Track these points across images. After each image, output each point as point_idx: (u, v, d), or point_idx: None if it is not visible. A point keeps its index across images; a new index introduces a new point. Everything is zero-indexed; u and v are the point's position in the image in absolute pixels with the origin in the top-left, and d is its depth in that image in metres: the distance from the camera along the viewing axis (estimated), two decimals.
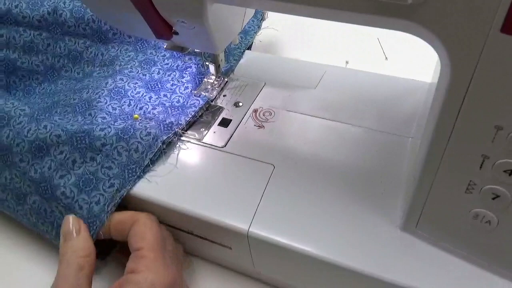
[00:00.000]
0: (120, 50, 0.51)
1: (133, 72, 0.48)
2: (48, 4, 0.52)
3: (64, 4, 0.52)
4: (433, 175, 0.29)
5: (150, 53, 0.50)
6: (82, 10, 0.52)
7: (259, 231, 0.34)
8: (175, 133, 0.41)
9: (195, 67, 0.48)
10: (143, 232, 0.35)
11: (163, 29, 0.33)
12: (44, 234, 0.40)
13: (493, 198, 0.27)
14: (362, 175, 0.38)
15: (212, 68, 0.46)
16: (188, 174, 0.39)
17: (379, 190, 0.37)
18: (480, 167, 0.26)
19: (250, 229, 0.34)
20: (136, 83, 0.46)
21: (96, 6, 0.38)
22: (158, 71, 0.48)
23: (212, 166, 0.40)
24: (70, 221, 0.36)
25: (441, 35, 0.23)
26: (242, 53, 0.52)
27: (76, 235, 0.35)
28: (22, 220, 0.41)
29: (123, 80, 0.46)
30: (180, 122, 0.42)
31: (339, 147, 0.40)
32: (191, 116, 0.43)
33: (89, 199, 0.37)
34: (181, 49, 0.38)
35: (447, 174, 0.28)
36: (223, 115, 0.44)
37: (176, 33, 0.35)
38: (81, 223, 0.36)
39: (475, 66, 0.23)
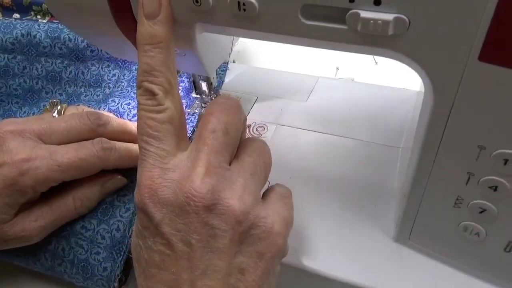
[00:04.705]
0: (102, 68, 0.51)
1: (123, 92, 0.48)
2: (21, 27, 0.51)
3: (39, 26, 0.51)
4: (422, 191, 0.30)
5: (135, 70, 0.49)
6: (58, 30, 0.51)
7: None
8: None
9: (187, 81, 0.48)
10: None
11: None
12: (60, 276, 0.39)
13: (480, 212, 0.28)
14: (355, 187, 0.39)
15: (204, 86, 0.46)
16: None
17: (372, 201, 0.38)
18: (466, 184, 0.27)
19: None
20: (129, 103, 0.46)
21: (85, 33, 0.38)
22: None
23: None
24: None
25: (422, 63, 0.24)
26: (226, 65, 0.52)
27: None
28: (34, 267, 0.39)
29: (115, 102, 0.46)
30: None
31: (332, 159, 0.41)
32: (190, 132, 0.43)
33: (109, 227, 0.37)
34: None
35: (435, 190, 0.29)
36: None
37: None
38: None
39: (456, 91, 0.24)
